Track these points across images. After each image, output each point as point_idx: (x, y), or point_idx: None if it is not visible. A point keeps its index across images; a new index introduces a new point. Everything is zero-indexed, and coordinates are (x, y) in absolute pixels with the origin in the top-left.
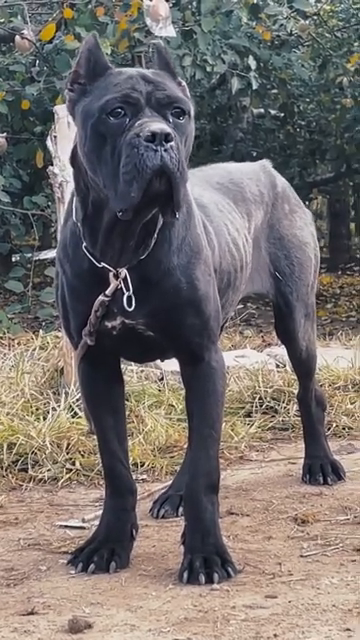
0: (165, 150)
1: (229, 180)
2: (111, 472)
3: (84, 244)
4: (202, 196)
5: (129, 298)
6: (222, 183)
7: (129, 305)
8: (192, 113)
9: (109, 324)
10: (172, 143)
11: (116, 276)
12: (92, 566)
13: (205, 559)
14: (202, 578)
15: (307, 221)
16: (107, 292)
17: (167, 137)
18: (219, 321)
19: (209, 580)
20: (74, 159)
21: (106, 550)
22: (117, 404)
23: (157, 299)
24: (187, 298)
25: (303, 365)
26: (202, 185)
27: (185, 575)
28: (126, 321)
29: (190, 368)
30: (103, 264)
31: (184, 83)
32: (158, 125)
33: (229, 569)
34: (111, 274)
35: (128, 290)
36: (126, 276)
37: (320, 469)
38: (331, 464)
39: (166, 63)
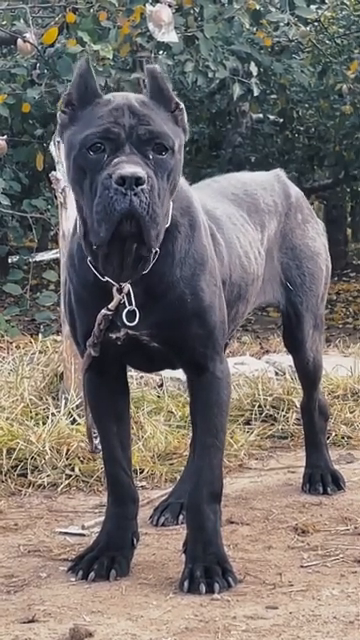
0: (135, 194)
1: (243, 191)
2: (114, 480)
3: (88, 258)
4: (216, 208)
5: (130, 313)
6: (237, 194)
7: (130, 320)
8: (178, 146)
9: (113, 335)
10: (144, 186)
11: (119, 290)
12: (92, 574)
13: (206, 569)
14: (203, 588)
15: (319, 231)
16: (110, 306)
17: (138, 181)
18: (224, 331)
19: (210, 590)
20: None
21: (106, 558)
22: (122, 413)
23: (161, 312)
24: (191, 310)
25: (309, 375)
26: (217, 197)
27: (186, 584)
28: (130, 332)
29: (195, 378)
30: (107, 278)
31: (182, 106)
32: (130, 169)
33: (230, 579)
34: (114, 288)
35: (130, 304)
36: (129, 291)
37: (320, 479)
38: (331, 474)
39: (159, 89)
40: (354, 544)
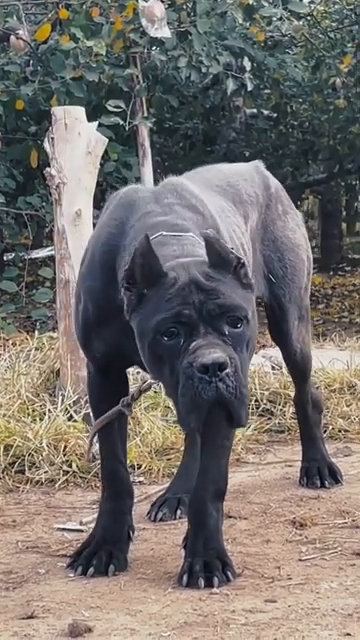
0: (220, 379)
1: (226, 183)
2: (112, 474)
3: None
4: (209, 203)
5: None
6: (220, 185)
7: None
8: (251, 314)
9: None
10: (227, 370)
11: None
12: (91, 569)
13: (205, 563)
14: (202, 582)
15: (299, 222)
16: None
17: (221, 366)
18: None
19: (209, 584)
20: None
21: (104, 553)
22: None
23: None
24: None
25: (298, 367)
26: (204, 189)
27: (185, 578)
28: None
29: None
30: None
31: (243, 260)
32: (211, 356)
33: (229, 573)
34: None
35: None
36: None
37: (317, 472)
38: (328, 467)
39: (217, 254)
40: (352, 537)
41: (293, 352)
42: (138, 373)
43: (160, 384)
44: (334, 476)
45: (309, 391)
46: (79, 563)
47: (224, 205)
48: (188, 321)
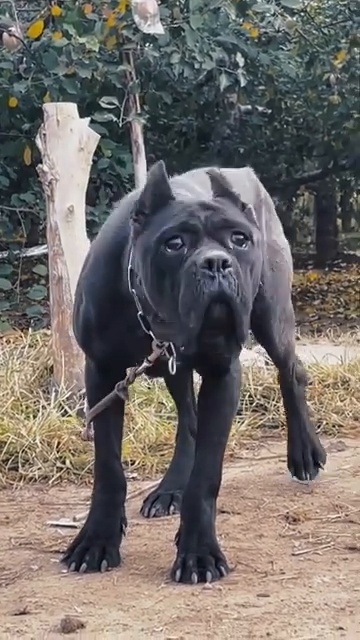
0: (223, 276)
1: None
2: (105, 466)
3: (140, 313)
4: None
5: (173, 363)
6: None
7: (173, 369)
8: (256, 239)
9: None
10: (230, 269)
11: (159, 346)
12: (84, 565)
13: (199, 558)
14: (195, 577)
15: (281, 229)
16: (150, 358)
17: (225, 263)
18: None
19: (202, 579)
20: (132, 279)
21: (97, 549)
22: (120, 405)
23: None
24: None
25: (280, 362)
26: (207, 189)
27: (178, 573)
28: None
29: (211, 377)
30: (150, 332)
31: (250, 206)
32: (215, 252)
33: (222, 568)
34: (154, 343)
35: (172, 355)
36: (170, 346)
37: (302, 462)
38: (312, 452)
39: (223, 189)
40: (345, 531)
41: (277, 352)
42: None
43: (153, 381)
44: (316, 462)
45: (291, 367)
46: (72, 559)
47: None
48: (193, 230)
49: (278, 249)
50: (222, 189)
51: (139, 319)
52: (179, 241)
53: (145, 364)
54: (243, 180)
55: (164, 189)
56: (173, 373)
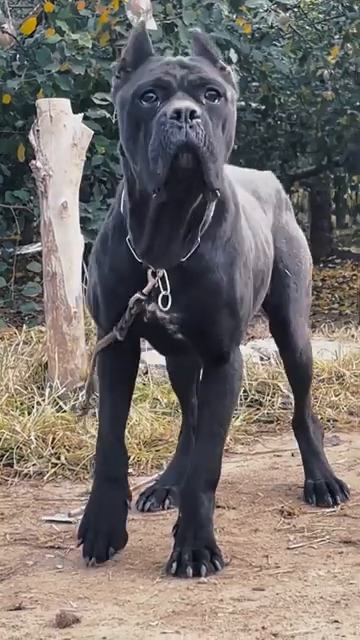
0: (191, 126)
1: (246, 179)
2: (108, 448)
3: (128, 237)
4: (237, 194)
5: (165, 298)
6: (242, 180)
7: (164, 304)
8: (230, 96)
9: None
10: (199, 120)
11: (154, 274)
12: (92, 559)
13: (194, 552)
14: (190, 570)
15: (301, 231)
16: (144, 290)
17: (193, 114)
18: (247, 323)
19: (197, 573)
20: (122, 148)
21: (102, 537)
22: (128, 382)
23: (194, 297)
24: (225, 299)
25: (300, 370)
26: (233, 181)
27: (174, 566)
28: (158, 315)
29: (212, 367)
30: (145, 262)
31: (229, 68)
32: (184, 103)
33: (217, 562)
34: (149, 272)
35: (165, 289)
36: (164, 275)
37: (327, 489)
38: (337, 483)
39: (205, 49)
40: (340, 525)
41: (297, 351)
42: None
43: (148, 377)
44: (343, 491)
45: (309, 405)
46: (86, 549)
47: (250, 198)
48: (167, 86)
49: (305, 245)
50: (203, 48)
51: (128, 245)
52: (153, 95)
53: (138, 295)
54: (266, 180)
55: (144, 46)
56: (166, 309)
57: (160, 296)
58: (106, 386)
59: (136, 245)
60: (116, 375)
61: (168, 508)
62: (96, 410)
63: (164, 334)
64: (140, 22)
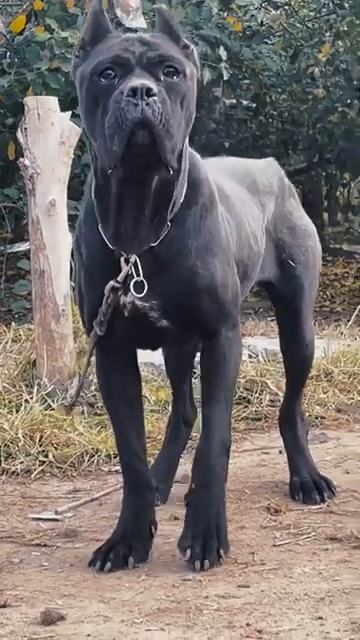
0: (147, 104)
1: (243, 170)
2: (128, 468)
3: (99, 224)
4: (223, 185)
5: (138, 284)
6: (237, 172)
7: (138, 291)
8: (189, 73)
9: (121, 302)
10: (155, 97)
11: (127, 261)
12: (109, 564)
13: (204, 539)
14: (198, 564)
15: (309, 219)
16: (119, 278)
17: (149, 91)
18: (238, 305)
19: (201, 565)
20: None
21: (123, 547)
22: (134, 398)
23: (170, 282)
24: (202, 285)
25: (305, 363)
26: (220, 173)
27: (188, 552)
28: (138, 304)
29: (207, 342)
30: (116, 248)
31: (192, 47)
32: (140, 81)
33: (221, 551)
34: (122, 259)
35: (138, 275)
36: (136, 261)
37: (315, 486)
38: (324, 480)
39: (169, 26)
40: (326, 522)
41: (305, 344)
42: None
43: None
44: (330, 488)
45: (301, 401)
46: (98, 558)
47: (239, 190)
48: (125, 63)
49: (311, 233)
50: (166, 24)
51: (100, 234)
52: (111, 72)
53: (112, 283)
54: (265, 167)
55: (103, 24)
56: (140, 296)
57: (133, 282)
58: (111, 409)
59: (105, 231)
60: (119, 394)
61: (155, 505)
62: (84, 408)
63: (148, 324)
64: (97, 0)
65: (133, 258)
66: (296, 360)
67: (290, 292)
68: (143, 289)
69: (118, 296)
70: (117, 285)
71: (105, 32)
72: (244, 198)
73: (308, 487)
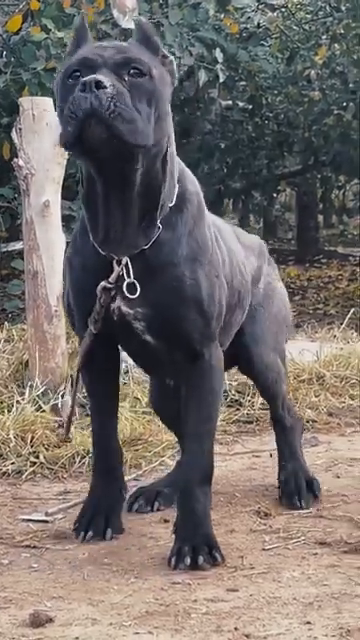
0: (96, 96)
1: (231, 228)
2: (99, 436)
3: (90, 233)
4: (216, 220)
5: (130, 285)
6: (224, 224)
7: (131, 292)
8: (157, 75)
9: (111, 308)
10: (107, 90)
11: (119, 263)
12: (90, 533)
13: (193, 547)
14: (187, 560)
15: (280, 284)
16: (110, 279)
17: (98, 84)
18: (220, 322)
19: (194, 564)
20: None
21: (101, 518)
22: (114, 391)
23: (159, 289)
24: (190, 295)
25: (269, 391)
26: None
27: (173, 560)
28: (123, 308)
29: (189, 365)
30: (107, 252)
31: (171, 58)
32: (90, 76)
33: (216, 554)
34: (114, 261)
35: (129, 277)
36: (127, 262)
37: (296, 489)
38: (307, 482)
39: (146, 37)
40: (315, 526)
41: (263, 378)
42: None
43: (128, 376)
44: (312, 490)
45: (282, 401)
46: (80, 530)
47: (229, 230)
48: (92, 65)
49: (282, 297)
50: (145, 36)
51: (91, 240)
52: (79, 73)
53: (104, 283)
54: (250, 237)
55: (83, 34)
56: (132, 297)
57: (125, 284)
58: (94, 404)
59: (94, 236)
60: (101, 391)
61: (157, 510)
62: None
63: (133, 336)
64: (82, 14)
65: (125, 260)
66: (265, 398)
67: (249, 329)
68: (136, 290)
69: (111, 297)
70: (109, 286)
71: (83, 42)
72: (232, 236)
73: (289, 490)
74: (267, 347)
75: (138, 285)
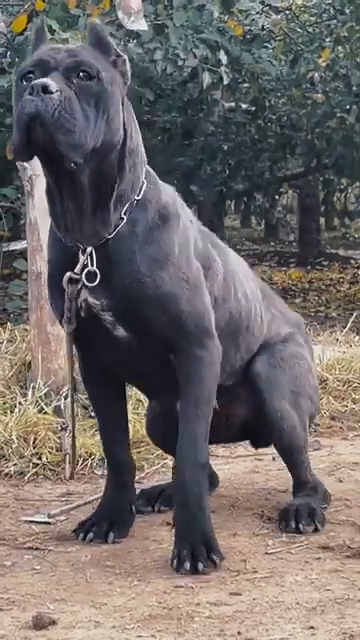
0: (42, 100)
1: (262, 283)
2: (108, 452)
3: (54, 227)
4: (227, 248)
5: (90, 273)
6: (240, 260)
7: (90, 280)
8: (106, 78)
9: (78, 302)
10: (53, 95)
11: (83, 252)
12: (90, 535)
13: (192, 548)
14: (187, 565)
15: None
16: (76, 269)
17: (45, 89)
18: (203, 323)
19: (194, 569)
20: None
21: (104, 522)
22: (120, 394)
23: (119, 281)
24: (146, 291)
25: (286, 451)
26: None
27: (175, 563)
28: (89, 299)
29: (177, 357)
30: (71, 242)
31: (125, 57)
32: (40, 80)
33: (214, 557)
34: (80, 251)
35: (92, 265)
36: (92, 252)
37: (294, 514)
38: (309, 510)
39: (99, 39)
40: (319, 530)
41: (279, 435)
42: None
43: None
44: (312, 518)
45: (303, 464)
46: (80, 531)
47: (244, 264)
48: (45, 67)
49: (299, 359)
50: (97, 38)
51: (57, 233)
52: (32, 75)
53: (69, 274)
54: (293, 314)
55: (41, 35)
56: (90, 285)
57: (85, 271)
58: (98, 409)
59: (57, 227)
60: (103, 393)
61: (159, 511)
62: (78, 410)
63: (106, 334)
64: (40, 19)
65: (89, 249)
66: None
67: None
68: (95, 278)
69: (77, 290)
70: (74, 276)
71: (41, 42)
72: (245, 269)
73: (288, 513)
74: (282, 396)
75: (99, 273)
